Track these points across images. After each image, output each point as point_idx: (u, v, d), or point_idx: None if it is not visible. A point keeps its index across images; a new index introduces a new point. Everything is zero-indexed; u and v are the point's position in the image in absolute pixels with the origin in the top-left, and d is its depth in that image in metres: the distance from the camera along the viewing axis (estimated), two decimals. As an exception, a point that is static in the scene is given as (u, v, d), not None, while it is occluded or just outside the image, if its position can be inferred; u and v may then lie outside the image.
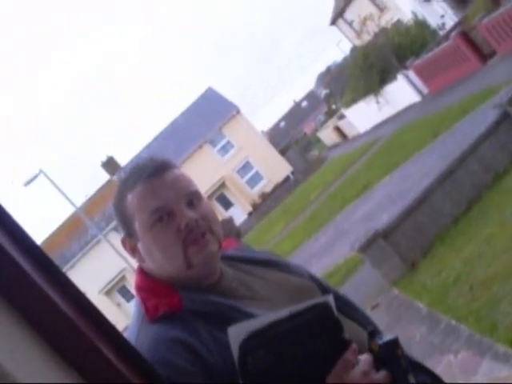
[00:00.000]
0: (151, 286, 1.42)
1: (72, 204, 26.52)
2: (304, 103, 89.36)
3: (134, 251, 1.46)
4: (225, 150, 44.75)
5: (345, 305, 1.51)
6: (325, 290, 1.53)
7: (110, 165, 45.52)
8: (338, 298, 1.42)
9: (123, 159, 55.81)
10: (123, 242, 1.47)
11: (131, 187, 1.42)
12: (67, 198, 25.87)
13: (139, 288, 1.44)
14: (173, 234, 1.37)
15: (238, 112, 44.89)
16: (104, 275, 39.96)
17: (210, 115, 44.34)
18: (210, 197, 43.81)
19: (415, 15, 30.40)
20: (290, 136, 73.06)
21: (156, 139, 47.17)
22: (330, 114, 46.90)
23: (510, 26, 16.96)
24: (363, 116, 31.09)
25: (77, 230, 41.44)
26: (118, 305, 40.53)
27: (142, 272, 1.46)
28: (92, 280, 37.95)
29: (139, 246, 1.43)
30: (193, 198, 1.42)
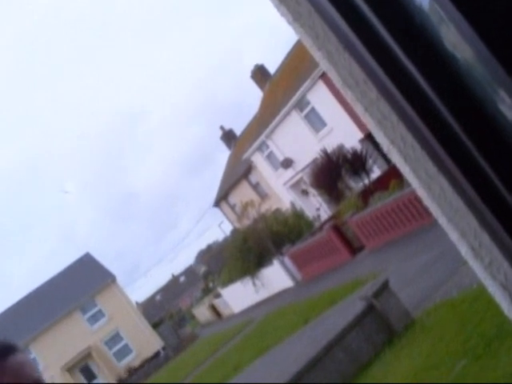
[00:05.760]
0: None
1: None
2: (182, 278, 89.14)
3: None
4: (95, 318, 43.11)
5: None
6: None
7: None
8: None
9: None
10: None
11: None
12: None
13: None
14: None
15: (114, 281, 44.02)
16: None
17: (84, 281, 43.14)
18: (73, 367, 41.30)
19: (293, 205, 32.29)
20: (165, 310, 71.71)
21: (25, 299, 44.87)
22: (207, 291, 46.97)
23: (377, 223, 18.35)
24: (239, 296, 31.39)
25: None
26: None
27: None
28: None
29: None
30: None
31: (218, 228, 51.52)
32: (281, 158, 33.54)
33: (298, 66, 30.08)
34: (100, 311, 43.15)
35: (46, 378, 32.05)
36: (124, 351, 42.73)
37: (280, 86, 33.79)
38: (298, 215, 29.47)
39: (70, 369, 41.19)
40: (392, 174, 19.54)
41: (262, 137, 33.84)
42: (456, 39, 0.89)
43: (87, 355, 41.86)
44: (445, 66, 0.95)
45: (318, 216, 29.23)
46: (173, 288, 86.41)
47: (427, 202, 1.15)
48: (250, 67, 39.48)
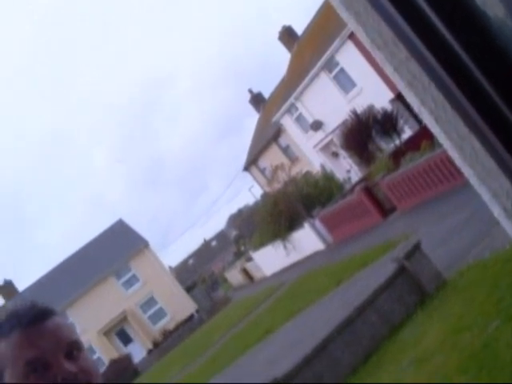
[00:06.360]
0: None
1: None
2: (214, 243, 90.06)
3: None
4: (129, 283, 43.89)
5: None
6: None
7: (7, 289, 43.52)
8: None
9: (23, 284, 53.45)
10: None
11: (7, 334, 1.33)
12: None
13: None
14: None
15: (147, 246, 44.64)
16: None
17: (117, 247, 43.83)
18: (109, 331, 42.27)
19: (324, 168, 32.17)
20: (198, 274, 72.71)
21: (60, 266, 45.83)
22: (239, 255, 47.41)
23: (409, 185, 18.22)
24: (270, 260, 31.61)
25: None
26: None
27: None
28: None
29: None
30: (73, 349, 1.34)
31: (248, 192, 51.75)
32: (310, 120, 33.31)
33: (325, 26, 29.62)
34: (134, 276, 43.88)
35: (84, 341, 32.85)
36: (159, 315, 43.53)
37: (308, 47, 33.37)
38: (329, 178, 29.37)
39: (106, 333, 42.17)
40: (423, 135, 19.29)
41: (291, 99, 33.59)
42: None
43: (123, 319, 42.76)
44: (475, 23, 0.92)
45: (349, 178, 29.11)
46: (205, 252, 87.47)
47: (459, 162, 1.14)
48: (278, 28, 39.01)
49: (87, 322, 40.53)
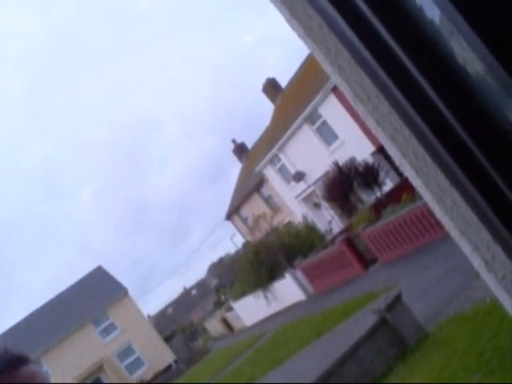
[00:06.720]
0: None
1: None
2: (194, 291, 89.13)
3: None
4: (107, 331, 43.15)
5: None
6: None
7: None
8: None
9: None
10: None
11: None
12: None
13: None
14: None
15: (126, 294, 44.08)
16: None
17: (96, 294, 43.23)
18: (85, 379, 41.34)
19: (305, 218, 32.24)
20: (177, 323, 71.65)
21: (37, 312, 45.04)
22: (219, 304, 46.89)
23: (390, 237, 18.28)
24: (251, 309, 31.31)
25: None
26: None
27: None
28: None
29: None
30: None
31: (229, 241, 51.51)
32: (293, 171, 33.55)
33: (309, 79, 30.15)
34: (112, 324, 43.18)
35: (58, 391, 31.99)
36: (136, 364, 42.69)
37: (291, 100, 33.87)
38: (310, 228, 29.41)
39: (82, 381, 41.18)
40: (404, 187, 19.48)
41: (274, 150, 33.89)
42: (467, 53, 0.89)
43: (99, 368, 41.83)
44: (456, 80, 0.95)
45: (330, 229, 29.17)
46: (185, 301, 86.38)
47: (439, 215, 1.15)
48: (262, 81, 39.62)
49: (63, 370, 39.59)
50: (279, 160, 34.63)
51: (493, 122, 0.96)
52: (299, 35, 1.22)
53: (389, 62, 1.02)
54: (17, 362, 1.34)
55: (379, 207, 20.72)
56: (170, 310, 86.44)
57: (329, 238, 26.79)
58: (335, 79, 1.20)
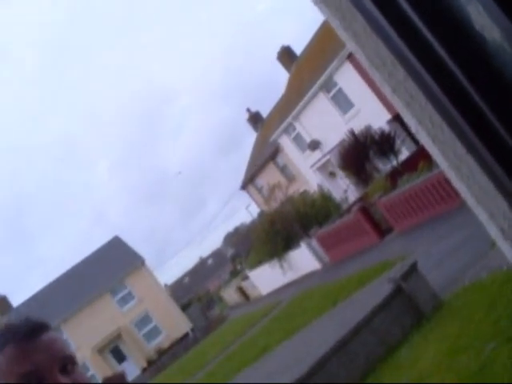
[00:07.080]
0: None
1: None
2: (210, 261, 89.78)
3: None
4: (125, 300, 43.68)
5: None
6: None
7: (0, 305, 43.32)
8: None
9: (19, 299, 53.20)
10: None
11: (1, 348, 1.33)
12: None
13: None
14: None
15: (143, 263, 44.50)
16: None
17: (113, 264, 43.69)
18: (103, 348, 42.00)
19: (321, 188, 32.18)
20: (193, 292, 72.38)
21: (56, 282, 45.66)
22: (235, 273, 47.26)
23: (406, 205, 18.22)
24: (266, 278, 31.51)
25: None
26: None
27: None
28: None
29: None
30: (67, 364, 1.34)
31: (245, 211, 51.69)
32: (308, 139, 33.40)
33: (324, 46, 29.83)
34: (129, 293, 43.69)
35: (78, 358, 32.59)
36: (153, 333, 43.27)
37: (306, 68, 33.57)
38: (326, 197, 29.37)
39: (100, 350, 41.88)
40: (420, 155, 19.33)
41: (289, 119, 33.71)
42: (484, 19, 0.87)
43: (117, 336, 42.48)
44: (473, 46, 0.93)
45: (346, 198, 29.10)
46: (201, 270, 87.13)
47: (456, 183, 1.14)
48: (276, 49, 39.24)
49: (82, 339, 40.27)
50: (294, 129, 34.46)
51: (510, 89, 0.94)
52: (314, 1, 1.20)
53: (404, 29, 1.00)
54: (38, 328, 1.37)
55: (395, 176, 20.61)
56: (186, 280, 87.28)
57: (344, 207, 26.76)
58: (350, 46, 1.18)
